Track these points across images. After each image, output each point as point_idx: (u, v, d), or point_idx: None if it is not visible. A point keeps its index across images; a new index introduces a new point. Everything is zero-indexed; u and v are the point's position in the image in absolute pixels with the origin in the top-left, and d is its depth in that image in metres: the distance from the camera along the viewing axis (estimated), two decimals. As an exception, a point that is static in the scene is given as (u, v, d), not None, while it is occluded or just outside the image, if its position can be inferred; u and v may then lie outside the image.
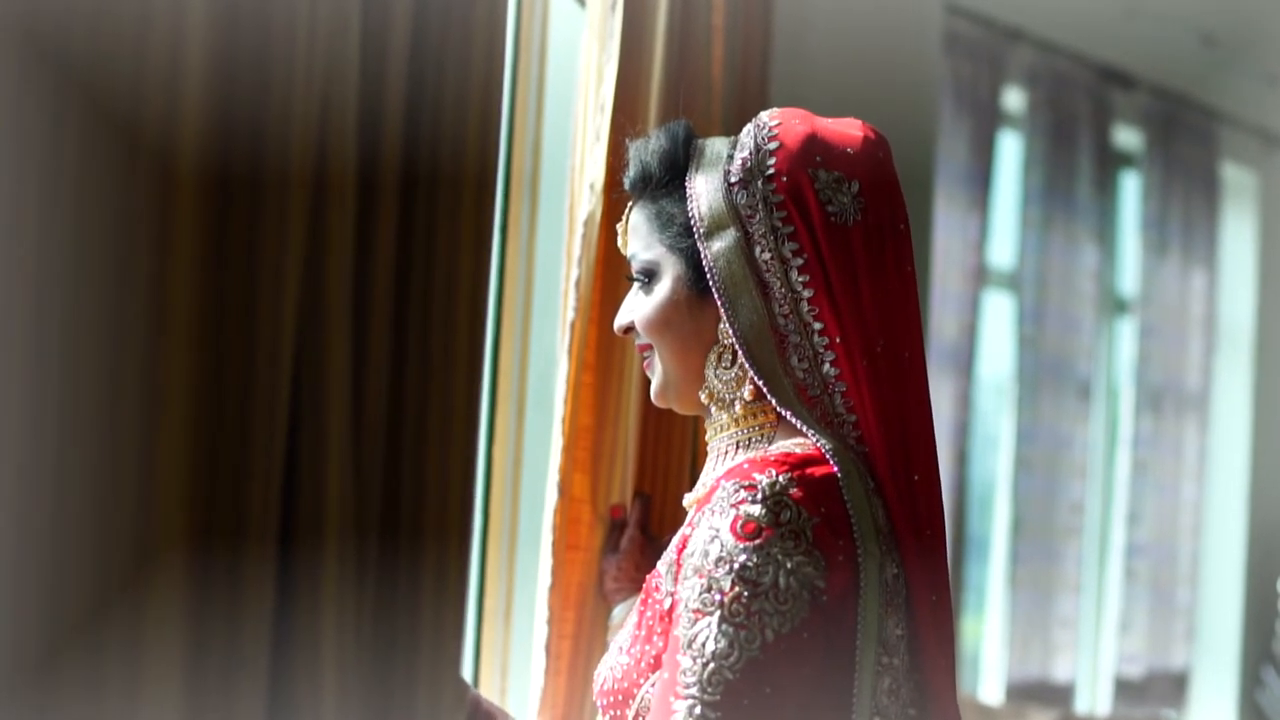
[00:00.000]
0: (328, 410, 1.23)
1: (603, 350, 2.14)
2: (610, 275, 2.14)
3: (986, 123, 4.28)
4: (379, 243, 1.29)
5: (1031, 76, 4.51)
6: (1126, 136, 5.02)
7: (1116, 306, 5.11)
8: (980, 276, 4.25)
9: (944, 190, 4.08)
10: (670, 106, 2.22)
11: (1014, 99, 4.57)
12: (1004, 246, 4.66)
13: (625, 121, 2.11)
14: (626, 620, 1.70)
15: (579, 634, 2.10)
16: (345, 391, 1.26)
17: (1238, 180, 5.48)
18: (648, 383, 2.18)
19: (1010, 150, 4.62)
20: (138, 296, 1.13)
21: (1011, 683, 4.49)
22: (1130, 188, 5.15)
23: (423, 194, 1.33)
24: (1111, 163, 4.86)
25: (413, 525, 1.29)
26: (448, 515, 1.30)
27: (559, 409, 2.15)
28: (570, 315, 2.12)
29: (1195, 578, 5.20)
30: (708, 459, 1.73)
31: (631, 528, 2.14)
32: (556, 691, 2.09)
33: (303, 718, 1.20)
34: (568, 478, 2.10)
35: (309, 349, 1.24)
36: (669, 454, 2.23)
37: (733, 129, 2.45)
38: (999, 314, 4.68)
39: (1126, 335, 5.10)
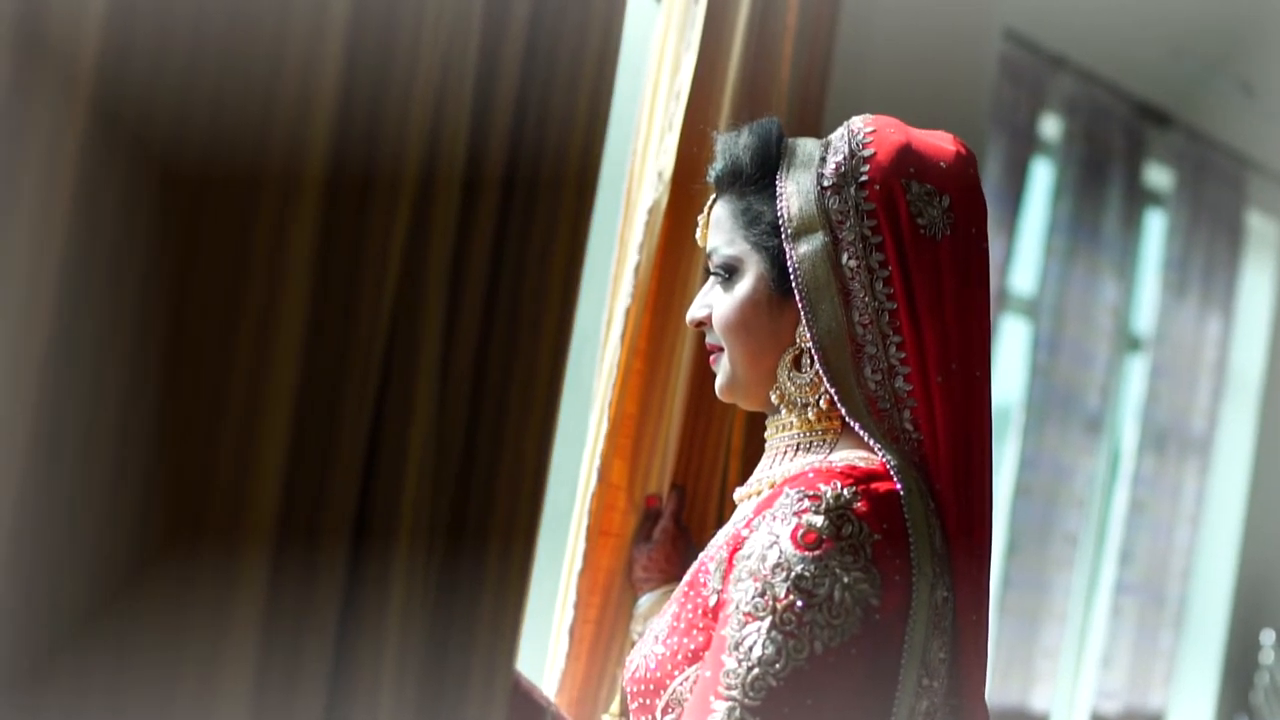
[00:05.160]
0: (413, 410, 1.22)
1: (654, 339, 2.12)
2: (669, 264, 2.12)
3: (1022, 147, 4.25)
4: (475, 251, 1.28)
5: (1070, 105, 4.49)
6: (1157, 175, 5.00)
7: (1130, 343, 5.10)
8: (1000, 300, 4.24)
9: (976, 210, 4.06)
10: (742, 100, 2.20)
11: (1050, 126, 4.55)
12: (1026, 272, 4.64)
13: (699, 112, 2.09)
14: (664, 610, 1.68)
15: (603, 619, 2.08)
16: (431, 392, 1.24)
17: (1262, 230, 5.48)
18: (696, 374, 2.17)
19: (1042, 177, 4.60)
20: (253, 295, 1.11)
21: (990, 708, 4.47)
22: (1155, 226, 5.13)
23: (521, 200, 1.31)
24: (1140, 199, 4.84)
25: (480, 528, 1.28)
26: (516, 520, 1.29)
27: (600, 393, 2.13)
28: (626, 301, 2.10)
29: (1180, 621, 5.19)
30: (764, 456, 1.71)
31: (666, 519, 2.12)
32: (575, 674, 2.07)
33: (359, 702, 1.18)
34: (608, 463, 2.08)
35: (400, 354, 1.23)
36: (707, 448, 2.21)
37: (791, 128, 2.44)
38: (1014, 339, 4.66)
39: (1137, 373, 5.08)
